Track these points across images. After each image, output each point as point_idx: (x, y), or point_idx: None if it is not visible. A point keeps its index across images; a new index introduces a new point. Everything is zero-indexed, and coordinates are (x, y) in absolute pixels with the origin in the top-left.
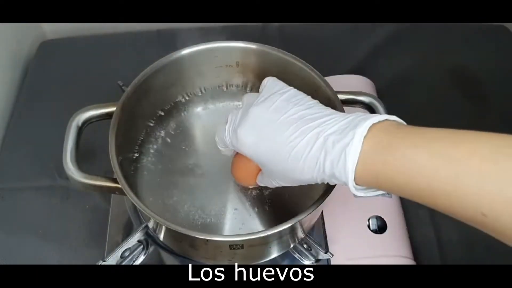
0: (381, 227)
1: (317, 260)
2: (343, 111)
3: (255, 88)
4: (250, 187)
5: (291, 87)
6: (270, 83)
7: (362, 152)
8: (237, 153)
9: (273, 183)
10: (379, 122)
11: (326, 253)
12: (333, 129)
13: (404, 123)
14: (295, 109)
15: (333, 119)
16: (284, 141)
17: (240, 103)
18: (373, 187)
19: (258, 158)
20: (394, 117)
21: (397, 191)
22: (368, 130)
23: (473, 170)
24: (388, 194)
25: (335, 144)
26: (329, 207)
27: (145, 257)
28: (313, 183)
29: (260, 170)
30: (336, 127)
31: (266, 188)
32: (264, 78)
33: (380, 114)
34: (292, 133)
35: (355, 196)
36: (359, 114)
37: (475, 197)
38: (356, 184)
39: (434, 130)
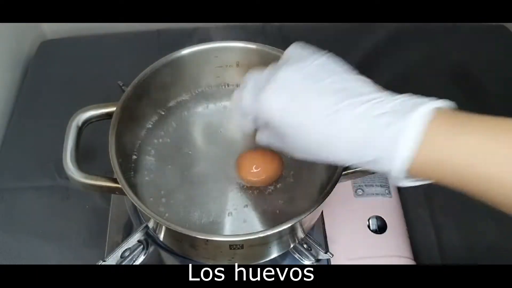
0: (381, 227)
1: (317, 260)
2: None
3: None
4: (258, 185)
5: (326, 51)
6: (297, 48)
7: (423, 139)
8: (244, 153)
9: (282, 146)
10: (435, 107)
11: (326, 253)
12: (385, 109)
13: (456, 108)
14: (336, 77)
15: (382, 97)
16: (322, 111)
17: None
18: (424, 177)
19: (283, 127)
20: (448, 102)
21: (450, 180)
22: (425, 116)
23: None
24: (405, 189)
25: (390, 126)
26: (329, 207)
27: (145, 257)
28: (340, 165)
29: (272, 166)
30: (389, 106)
31: (266, 188)
32: None
33: None
34: (335, 103)
35: (396, 185)
36: (409, 95)
37: None
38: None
39: (493, 119)
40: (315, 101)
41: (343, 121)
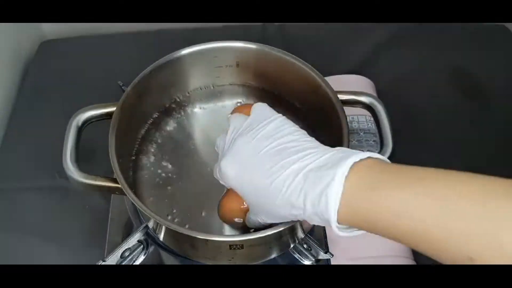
0: None
1: (317, 260)
2: (343, 111)
3: (255, 88)
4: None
5: (279, 115)
6: (258, 111)
7: (345, 193)
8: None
9: (259, 221)
10: (361, 160)
11: (326, 253)
12: (313, 165)
13: (388, 161)
14: (278, 141)
15: (314, 154)
16: (263, 174)
17: (240, 102)
18: (357, 228)
19: (242, 192)
20: (377, 155)
21: (380, 232)
22: (350, 169)
23: (461, 213)
24: None
25: (316, 184)
26: None
27: (145, 257)
28: (298, 220)
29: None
30: (316, 163)
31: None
32: (264, 78)
33: (381, 114)
34: (271, 166)
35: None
36: (340, 149)
37: (462, 240)
38: (339, 224)
39: (421, 170)
40: (259, 168)
41: (278, 181)
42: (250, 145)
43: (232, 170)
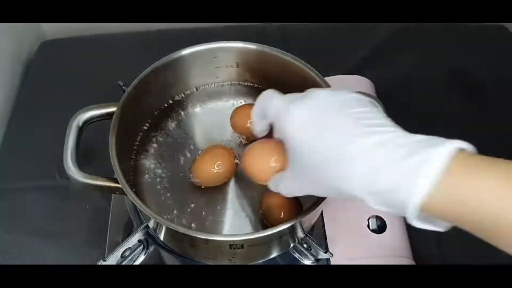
0: (381, 227)
1: (317, 260)
2: None
3: (255, 88)
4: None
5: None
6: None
7: (444, 175)
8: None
9: (294, 188)
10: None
11: (326, 252)
12: (410, 140)
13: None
14: (365, 109)
15: (401, 132)
16: (343, 133)
17: (240, 102)
18: (439, 215)
19: (299, 145)
20: (470, 145)
21: (469, 224)
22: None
23: None
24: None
25: (413, 156)
26: (329, 207)
27: (145, 257)
28: (349, 199)
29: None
30: (413, 139)
31: (265, 187)
32: (264, 78)
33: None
34: (359, 126)
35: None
36: (424, 136)
37: None
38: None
39: None
40: (339, 124)
41: (364, 144)
42: (334, 98)
43: (304, 116)
